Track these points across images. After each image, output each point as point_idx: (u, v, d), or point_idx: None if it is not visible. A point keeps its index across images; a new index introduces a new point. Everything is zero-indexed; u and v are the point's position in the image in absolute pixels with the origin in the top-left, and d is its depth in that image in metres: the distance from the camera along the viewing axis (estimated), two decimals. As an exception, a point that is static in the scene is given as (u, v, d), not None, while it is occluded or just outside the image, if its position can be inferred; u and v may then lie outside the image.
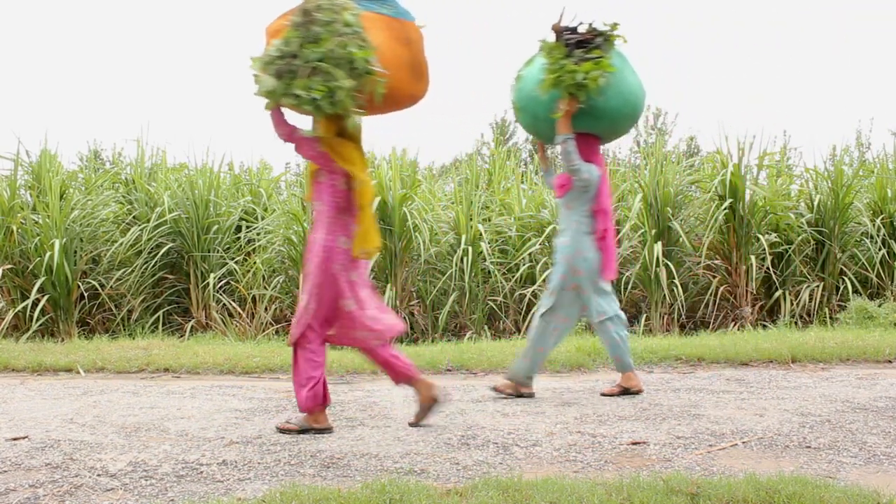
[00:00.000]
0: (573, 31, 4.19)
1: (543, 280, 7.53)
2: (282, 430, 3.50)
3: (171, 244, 7.67)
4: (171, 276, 7.80)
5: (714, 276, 7.75)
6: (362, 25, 3.29)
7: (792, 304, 7.61)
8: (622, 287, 7.84)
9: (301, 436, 3.44)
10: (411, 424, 3.61)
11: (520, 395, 4.30)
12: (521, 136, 23.74)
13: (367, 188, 3.46)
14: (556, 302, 4.28)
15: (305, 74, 3.19)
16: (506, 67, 44.97)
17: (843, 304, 7.69)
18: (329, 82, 3.18)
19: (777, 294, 7.67)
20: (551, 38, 4.22)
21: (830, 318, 7.47)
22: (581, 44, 4.11)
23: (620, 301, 8.01)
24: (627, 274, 7.84)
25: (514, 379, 4.33)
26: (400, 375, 3.58)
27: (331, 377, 5.08)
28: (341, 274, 3.42)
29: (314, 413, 3.48)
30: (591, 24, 4.20)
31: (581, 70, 3.99)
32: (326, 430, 3.50)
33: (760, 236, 7.63)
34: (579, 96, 4.04)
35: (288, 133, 3.47)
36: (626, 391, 4.31)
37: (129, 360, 5.48)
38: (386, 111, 3.67)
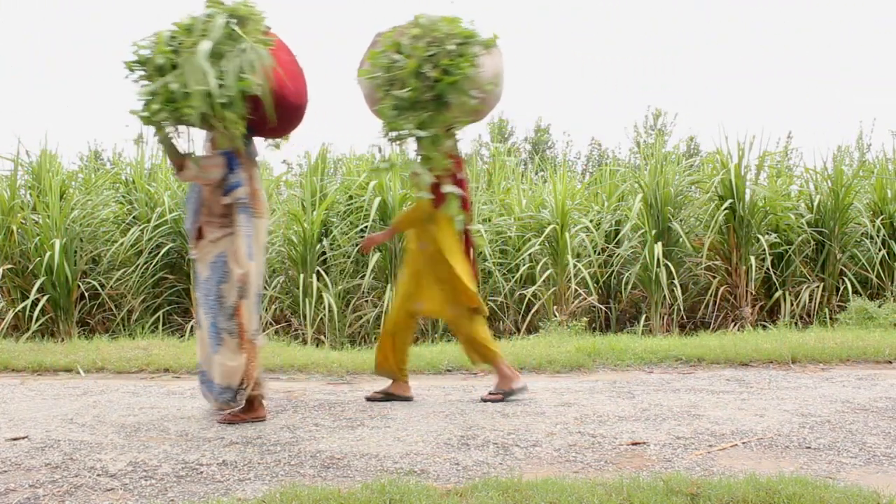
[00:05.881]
0: None
1: (544, 280, 7.53)
2: None
3: (171, 244, 7.66)
4: (171, 276, 7.79)
5: (714, 277, 7.75)
6: None
7: (792, 305, 7.61)
8: (622, 287, 7.85)
9: (301, 436, 3.44)
10: None
11: None
12: (519, 135, 23.70)
13: None
14: None
15: None
16: (506, 67, 44.79)
17: (843, 304, 7.69)
18: None
19: (777, 294, 7.67)
20: None
21: (830, 318, 7.47)
22: None
23: (621, 301, 8.05)
24: (627, 274, 7.85)
25: None
26: None
27: (331, 377, 5.09)
28: None
29: None
30: None
31: None
32: None
33: (760, 237, 7.63)
34: None
35: None
36: None
37: (129, 360, 5.47)
38: None
